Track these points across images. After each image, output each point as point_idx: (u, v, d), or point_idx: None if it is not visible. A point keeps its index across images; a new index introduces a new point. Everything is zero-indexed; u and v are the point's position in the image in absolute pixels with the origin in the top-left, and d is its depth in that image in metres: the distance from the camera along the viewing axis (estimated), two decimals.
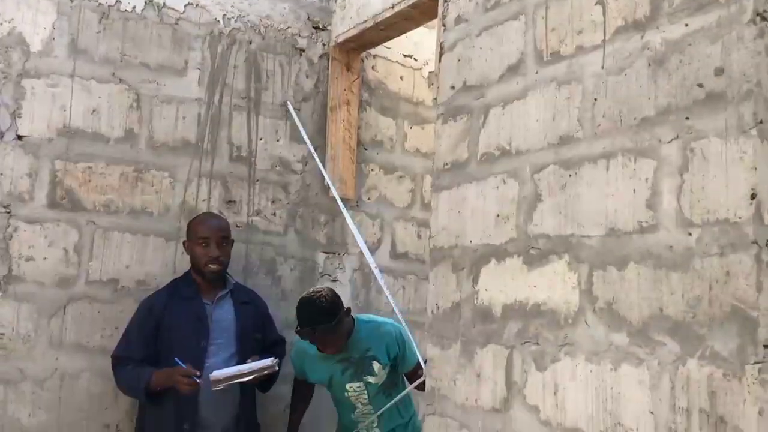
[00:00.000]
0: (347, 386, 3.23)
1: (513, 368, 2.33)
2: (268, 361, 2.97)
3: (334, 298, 3.18)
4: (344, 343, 3.20)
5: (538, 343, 2.24)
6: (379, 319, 3.40)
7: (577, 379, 2.08)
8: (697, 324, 1.75)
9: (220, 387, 2.85)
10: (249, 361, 2.99)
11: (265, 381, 3.14)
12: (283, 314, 3.67)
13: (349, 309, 3.31)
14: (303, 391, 3.50)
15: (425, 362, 2.87)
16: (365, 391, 3.25)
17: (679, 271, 1.80)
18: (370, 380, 3.24)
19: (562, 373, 2.14)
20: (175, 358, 2.90)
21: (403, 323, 3.36)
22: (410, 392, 3.41)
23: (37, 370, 3.03)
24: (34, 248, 3.10)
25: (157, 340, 3.01)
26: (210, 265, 3.16)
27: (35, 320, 3.05)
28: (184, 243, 3.28)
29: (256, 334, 3.24)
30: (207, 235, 3.17)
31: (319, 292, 3.20)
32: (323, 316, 3.07)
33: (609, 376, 1.99)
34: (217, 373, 2.86)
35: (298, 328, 3.13)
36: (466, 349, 2.55)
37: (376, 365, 3.24)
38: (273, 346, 3.34)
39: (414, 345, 3.28)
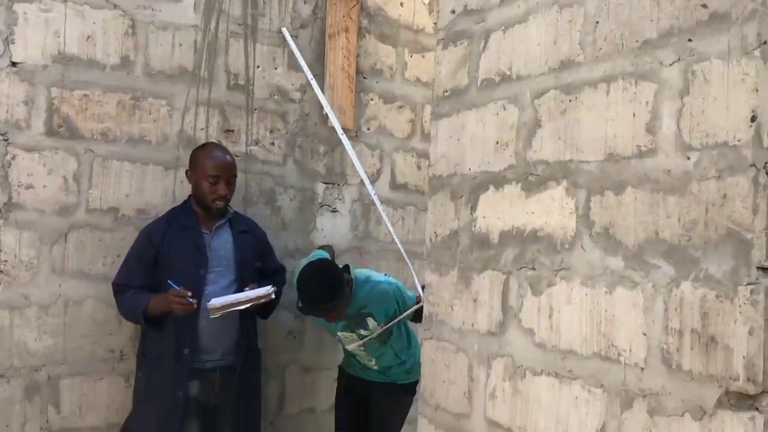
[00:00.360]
0: (339, 333, 3.30)
1: (509, 293, 2.36)
2: (263, 290, 3.01)
3: (335, 278, 3.15)
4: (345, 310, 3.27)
5: (534, 269, 2.26)
6: (376, 276, 3.37)
7: (572, 303, 2.12)
8: (692, 247, 1.77)
9: (217, 315, 2.90)
10: (247, 289, 3.03)
11: (265, 308, 3.19)
12: (283, 243, 3.70)
13: (347, 268, 3.29)
14: None
15: (423, 288, 2.92)
16: (357, 339, 3.32)
17: (676, 195, 1.81)
18: (362, 333, 3.30)
19: (557, 297, 2.17)
20: (169, 281, 2.93)
21: (403, 253, 3.39)
22: (414, 336, 3.47)
23: (41, 296, 3.07)
24: (33, 176, 3.11)
25: (156, 268, 3.04)
26: (217, 202, 3.17)
27: (37, 247, 3.08)
28: (187, 172, 3.27)
29: (256, 263, 3.27)
30: (218, 174, 3.17)
31: (319, 271, 3.17)
32: (324, 298, 3.12)
33: (603, 299, 2.02)
34: (215, 301, 2.90)
35: (300, 305, 3.21)
36: (464, 275, 2.58)
37: (370, 321, 3.29)
38: (273, 274, 3.38)
39: (410, 297, 3.32)
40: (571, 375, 2.11)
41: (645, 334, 1.89)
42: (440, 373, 2.67)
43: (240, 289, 3.06)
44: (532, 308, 2.26)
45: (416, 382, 3.48)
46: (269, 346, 3.59)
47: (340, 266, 3.29)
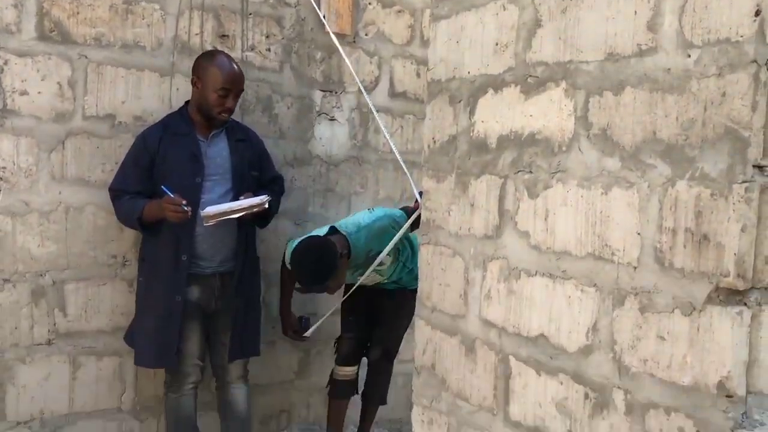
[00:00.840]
0: (358, 278, 3.34)
1: (506, 197, 2.38)
2: (258, 199, 3.01)
3: (324, 258, 3.10)
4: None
5: (531, 172, 2.27)
6: (364, 219, 3.30)
7: (567, 205, 2.13)
8: (688, 146, 1.77)
9: (211, 223, 2.91)
10: (242, 198, 3.03)
11: (263, 217, 3.21)
12: (281, 152, 3.70)
13: (344, 239, 3.23)
14: (292, 277, 3.51)
15: (420, 195, 2.93)
16: (378, 276, 3.36)
17: (675, 94, 1.80)
18: (380, 269, 3.34)
19: (553, 200, 2.19)
20: (162, 187, 2.94)
21: (402, 163, 3.39)
22: (416, 243, 3.49)
23: (41, 203, 3.09)
24: (27, 82, 3.07)
25: (152, 175, 3.04)
26: (223, 115, 3.14)
27: (35, 154, 3.08)
28: (193, 81, 3.18)
29: (253, 172, 3.27)
30: (229, 87, 3.12)
31: (309, 254, 3.14)
32: (318, 279, 3.14)
33: (599, 200, 2.03)
34: (209, 210, 2.92)
35: (297, 286, 3.24)
36: (461, 180, 2.59)
37: (384, 258, 3.34)
38: (270, 183, 3.38)
39: (400, 215, 3.32)
40: (564, 275, 2.15)
41: (639, 234, 1.91)
42: (437, 276, 2.72)
43: (236, 198, 3.07)
44: (528, 211, 2.28)
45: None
46: (270, 253, 3.64)
47: (328, 230, 3.23)
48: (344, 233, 3.21)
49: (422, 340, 2.82)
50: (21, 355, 3.07)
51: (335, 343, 3.61)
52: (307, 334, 3.48)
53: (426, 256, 2.78)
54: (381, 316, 3.47)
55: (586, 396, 2.09)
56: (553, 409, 2.19)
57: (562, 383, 2.17)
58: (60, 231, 3.13)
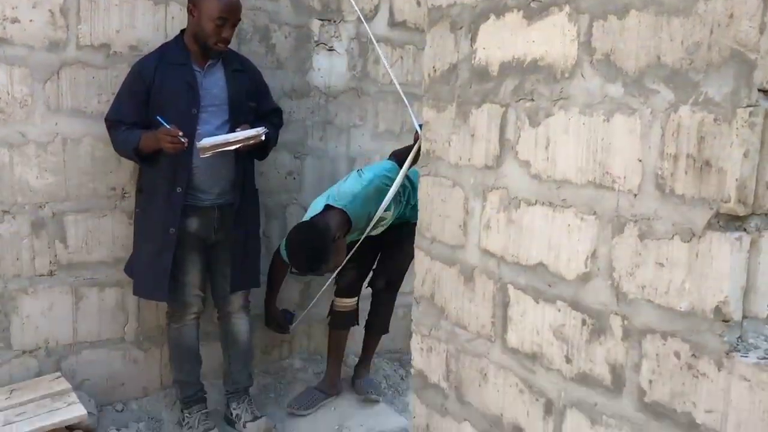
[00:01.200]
0: (361, 236, 3.32)
1: (507, 126, 2.35)
2: (254, 131, 2.97)
3: (322, 243, 3.05)
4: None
5: (533, 99, 2.24)
6: (357, 186, 3.21)
7: (569, 133, 2.11)
8: (693, 70, 1.74)
9: (207, 155, 2.88)
10: (238, 129, 2.99)
11: (261, 149, 3.18)
12: (279, 83, 3.64)
13: (342, 214, 3.17)
14: (283, 270, 3.51)
15: (420, 127, 2.90)
16: (383, 226, 3.35)
17: (681, 17, 1.75)
18: (383, 221, 3.33)
19: (554, 128, 2.16)
20: (158, 117, 2.90)
21: (402, 95, 3.34)
22: (416, 177, 3.47)
23: (38, 134, 3.06)
24: (17, 9, 3.00)
25: (148, 105, 3.00)
26: (220, 45, 3.07)
27: (30, 84, 3.03)
28: (189, 9, 3.11)
29: (250, 103, 3.22)
30: (226, 16, 3.04)
31: (304, 240, 3.08)
32: (315, 264, 3.11)
33: (601, 128, 2.01)
34: (205, 141, 2.88)
35: (292, 270, 3.20)
36: (462, 110, 2.56)
37: (385, 214, 3.31)
38: (269, 115, 3.34)
39: (392, 166, 3.28)
40: (564, 204, 2.15)
41: (640, 161, 1.90)
42: (437, 207, 2.72)
43: (233, 130, 3.03)
44: (529, 140, 2.26)
45: None
46: (269, 186, 3.63)
47: (324, 206, 3.17)
48: (341, 208, 3.17)
49: (422, 270, 2.84)
50: (23, 286, 3.09)
51: (336, 275, 3.63)
52: (292, 327, 3.53)
53: (426, 187, 2.78)
54: (384, 248, 3.48)
55: (584, 322, 2.11)
56: (551, 335, 2.22)
57: (560, 310, 2.19)
58: (58, 162, 3.11)
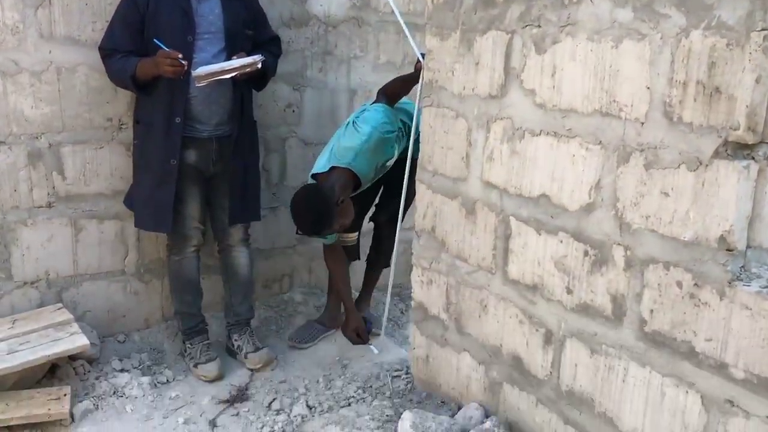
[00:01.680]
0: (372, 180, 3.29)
1: (512, 53, 2.30)
2: (251, 58, 2.89)
3: (323, 207, 2.97)
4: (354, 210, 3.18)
5: (539, 26, 2.18)
6: (358, 139, 3.09)
7: (576, 60, 2.06)
8: None
9: (203, 83, 2.81)
10: (235, 57, 2.92)
11: (259, 78, 3.11)
12: (277, 12, 3.55)
13: (348, 172, 3.08)
14: (340, 257, 3.44)
15: (423, 56, 2.84)
16: (390, 166, 3.30)
17: None
18: (389, 164, 3.28)
19: (561, 55, 2.11)
20: (155, 40, 2.82)
21: (403, 26, 3.25)
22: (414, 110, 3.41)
23: (31, 63, 2.99)
24: None
25: (143, 34, 2.91)
26: None
27: (21, 10, 2.94)
28: None
29: (247, 31, 3.13)
30: None
31: (307, 205, 3.00)
32: (317, 228, 3.04)
33: (609, 54, 1.96)
34: (200, 69, 2.81)
35: (298, 232, 3.13)
36: (466, 37, 2.49)
37: (390, 162, 3.26)
38: (267, 44, 3.25)
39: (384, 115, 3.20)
40: (569, 133, 2.11)
41: (648, 88, 1.85)
42: (439, 139, 2.68)
43: (229, 58, 2.95)
44: (535, 68, 2.21)
45: None
46: (268, 119, 3.57)
47: (331, 164, 3.07)
48: (345, 166, 3.11)
49: (423, 203, 2.82)
50: (22, 218, 3.07)
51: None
52: (370, 340, 3.36)
53: (428, 118, 2.73)
54: (387, 183, 3.44)
55: (586, 253, 2.10)
56: (552, 267, 2.22)
57: (561, 242, 2.18)
58: (53, 92, 3.04)
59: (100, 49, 2.96)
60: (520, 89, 2.28)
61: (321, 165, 3.16)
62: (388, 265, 3.73)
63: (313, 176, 3.17)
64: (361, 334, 3.32)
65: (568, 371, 2.20)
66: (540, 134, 2.23)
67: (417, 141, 3.37)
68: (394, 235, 3.69)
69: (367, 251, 3.72)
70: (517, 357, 2.40)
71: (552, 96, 2.17)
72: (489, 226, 2.47)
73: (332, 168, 3.10)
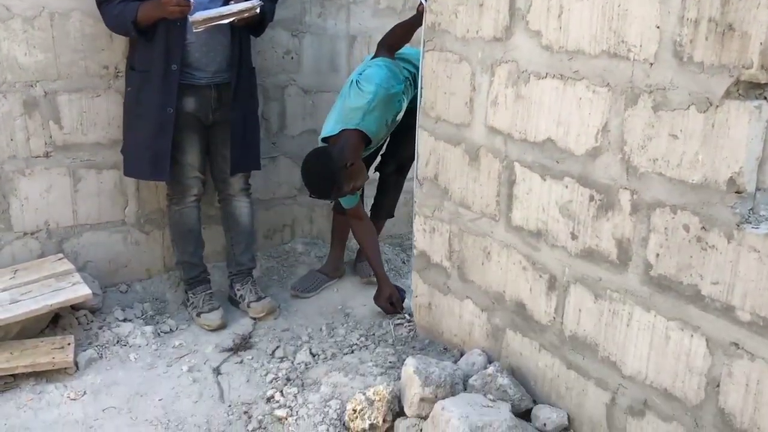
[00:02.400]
0: (383, 134, 3.21)
1: None
2: (248, 3, 2.82)
3: (329, 172, 2.91)
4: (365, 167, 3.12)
5: None
6: (364, 99, 3.00)
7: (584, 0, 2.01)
8: None
9: (200, 29, 2.75)
10: (232, 2, 2.85)
11: (257, 24, 3.04)
12: None
13: (358, 133, 3.02)
14: (368, 223, 3.36)
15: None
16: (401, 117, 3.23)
17: None
18: (398, 117, 3.19)
19: None
20: None
21: None
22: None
23: (23, 7, 2.91)
24: None
25: None
26: None
27: None
28: None
29: None
30: None
31: (315, 169, 2.96)
32: (324, 192, 3.00)
33: None
34: (197, 15, 2.74)
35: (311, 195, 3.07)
36: None
37: (399, 115, 3.19)
38: None
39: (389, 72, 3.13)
40: (576, 75, 2.07)
41: (658, 27, 1.80)
42: (441, 84, 2.63)
43: (226, 4, 2.88)
44: (541, 8, 2.15)
45: None
46: (266, 66, 3.50)
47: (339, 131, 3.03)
48: (354, 127, 3.03)
49: (425, 151, 2.78)
50: (20, 167, 3.03)
51: None
52: (404, 309, 3.19)
53: (430, 63, 2.68)
54: (394, 133, 3.39)
55: (591, 198, 2.08)
56: (557, 212, 2.19)
57: (567, 187, 2.15)
58: (46, 39, 2.97)
59: None
60: (526, 31, 2.23)
61: (330, 128, 3.10)
62: (392, 216, 3.71)
63: (323, 140, 3.12)
64: (395, 303, 3.17)
65: (571, 317, 2.20)
66: (546, 77, 2.18)
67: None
68: (401, 186, 3.67)
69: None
70: (520, 303, 2.40)
71: (558, 37, 2.12)
72: (493, 173, 2.44)
73: (342, 130, 3.05)
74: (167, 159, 2.95)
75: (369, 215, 3.66)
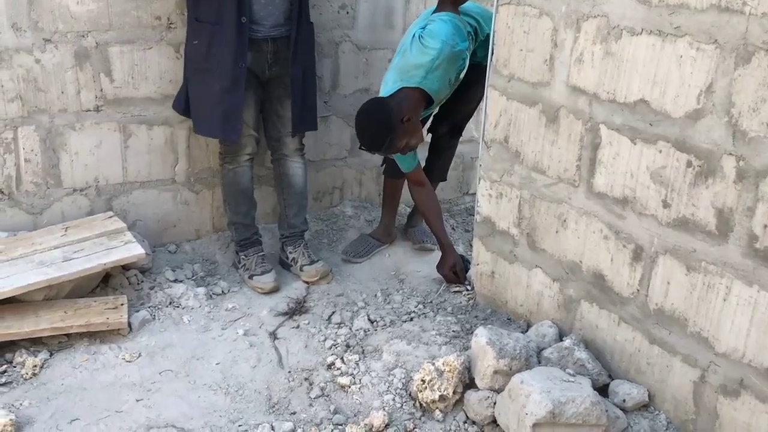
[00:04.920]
0: (448, 90, 3.04)
1: None
2: None
3: (386, 123, 2.78)
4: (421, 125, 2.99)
5: None
6: (426, 57, 2.85)
7: None
8: None
9: None
10: None
11: None
12: None
13: (419, 92, 2.89)
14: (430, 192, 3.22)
15: None
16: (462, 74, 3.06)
17: None
18: (462, 73, 3.03)
19: None
20: None
21: None
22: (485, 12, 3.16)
23: None
24: None
25: None
26: None
27: None
28: None
29: None
30: None
31: (368, 120, 2.84)
32: (376, 144, 2.86)
33: None
34: None
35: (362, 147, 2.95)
36: None
37: (462, 73, 3.03)
38: None
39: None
40: (677, 32, 1.92)
41: None
42: (518, 41, 2.48)
43: None
44: None
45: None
46: (320, 21, 3.36)
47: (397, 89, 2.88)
48: (415, 86, 2.86)
49: (495, 111, 2.64)
50: (70, 122, 2.93)
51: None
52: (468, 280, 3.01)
53: (505, 18, 2.52)
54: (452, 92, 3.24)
55: (689, 164, 1.94)
56: (647, 178, 2.06)
57: (660, 151, 2.02)
58: None
59: None
60: None
61: (389, 88, 2.94)
62: (445, 179, 3.59)
63: None
64: (458, 273, 3.02)
65: (658, 289, 2.08)
66: (641, 33, 2.03)
67: (484, 44, 3.15)
68: (455, 148, 3.53)
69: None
70: (598, 274, 2.28)
71: None
72: (574, 135, 2.30)
73: (401, 89, 2.90)
74: (239, 117, 2.85)
75: None
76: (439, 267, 3.08)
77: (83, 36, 2.92)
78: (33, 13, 2.82)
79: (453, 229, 3.85)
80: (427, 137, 3.44)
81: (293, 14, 2.91)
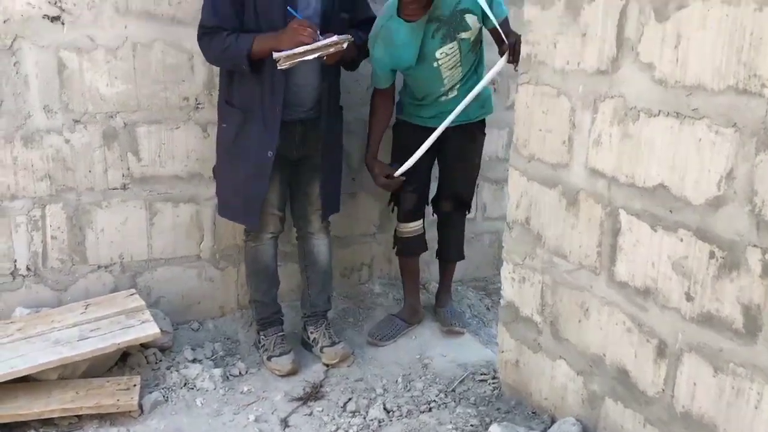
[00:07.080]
0: (438, 52, 2.92)
1: (627, 22, 1.99)
2: (335, 38, 2.67)
3: None
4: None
5: None
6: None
7: (706, 28, 1.75)
8: None
9: (285, 65, 2.60)
10: (322, 38, 2.69)
11: (350, 59, 2.90)
12: None
13: None
14: (385, 101, 3.17)
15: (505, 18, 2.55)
16: (458, 51, 2.94)
17: None
18: (463, 36, 2.91)
19: (688, 22, 1.80)
20: (288, 8, 2.62)
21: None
22: (483, 56, 3.11)
23: (107, 39, 2.88)
24: None
25: (243, 13, 2.72)
26: None
27: None
28: None
29: (343, 14, 2.90)
30: None
31: None
32: None
33: (750, 19, 1.64)
34: (283, 51, 2.61)
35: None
36: (571, 5, 2.20)
37: (469, 18, 2.89)
38: (363, 24, 3.02)
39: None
40: (695, 114, 1.81)
41: None
42: (537, 120, 2.40)
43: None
44: (655, 38, 1.91)
45: (484, 120, 3.21)
46: (348, 101, 3.35)
47: None
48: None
49: (516, 192, 2.55)
50: (97, 200, 2.98)
51: (391, 200, 3.32)
52: (399, 173, 3.03)
53: (525, 97, 2.46)
54: (443, 160, 3.14)
55: (712, 255, 1.80)
56: (669, 268, 1.91)
57: (682, 240, 1.88)
58: (128, 69, 2.93)
59: (202, 26, 2.75)
60: (636, 63, 1.98)
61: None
62: (462, 257, 3.45)
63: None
64: (390, 176, 3.07)
65: (684, 390, 1.91)
66: (658, 115, 1.92)
67: (485, 100, 3.11)
68: (464, 224, 3.40)
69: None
70: (623, 369, 2.12)
71: (674, 71, 1.86)
72: (594, 220, 2.18)
73: None
74: (259, 205, 2.84)
75: (438, 261, 3.43)
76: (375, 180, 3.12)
77: (112, 116, 2.98)
78: (64, 95, 2.89)
79: (488, 309, 3.72)
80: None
81: (323, 97, 2.90)
